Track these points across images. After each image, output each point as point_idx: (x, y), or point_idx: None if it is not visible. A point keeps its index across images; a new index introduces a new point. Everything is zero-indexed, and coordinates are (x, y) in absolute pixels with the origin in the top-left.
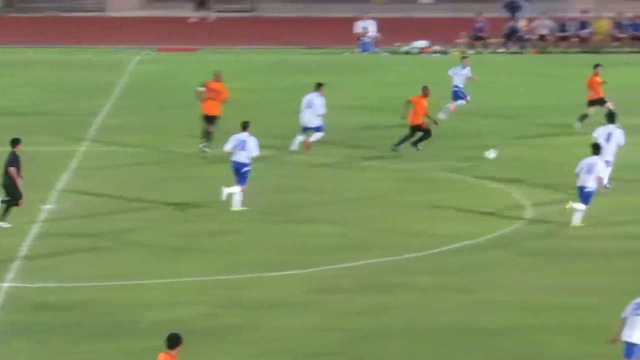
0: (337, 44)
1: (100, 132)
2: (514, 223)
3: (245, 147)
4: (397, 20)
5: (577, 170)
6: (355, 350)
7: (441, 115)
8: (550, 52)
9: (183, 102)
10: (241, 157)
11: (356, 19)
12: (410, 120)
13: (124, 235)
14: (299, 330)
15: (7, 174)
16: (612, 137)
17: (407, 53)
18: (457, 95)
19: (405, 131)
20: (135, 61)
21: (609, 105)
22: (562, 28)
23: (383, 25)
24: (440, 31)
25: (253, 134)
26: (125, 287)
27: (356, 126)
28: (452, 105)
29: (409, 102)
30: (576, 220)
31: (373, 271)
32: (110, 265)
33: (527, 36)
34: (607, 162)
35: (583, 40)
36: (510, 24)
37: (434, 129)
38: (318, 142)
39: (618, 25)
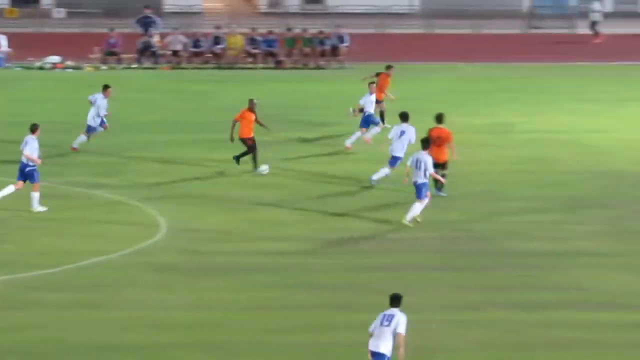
0: None
1: None
2: (149, 239)
3: None
4: (30, 35)
5: (408, 164)
6: None
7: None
8: (184, 68)
9: None
10: None
11: None
12: (240, 134)
13: None
14: None
15: None
16: (404, 134)
17: (40, 68)
18: (368, 121)
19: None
20: None
21: (383, 106)
22: (196, 44)
23: (16, 40)
24: (73, 46)
25: None
26: None
27: None
28: (369, 135)
29: (234, 120)
30: (411, 217)
31: (4, 289)
32: None
33: (160, 52)
34: (397, 158)
35: (217, 56)
36: (144, 39)
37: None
38: None
39: (252, 41)
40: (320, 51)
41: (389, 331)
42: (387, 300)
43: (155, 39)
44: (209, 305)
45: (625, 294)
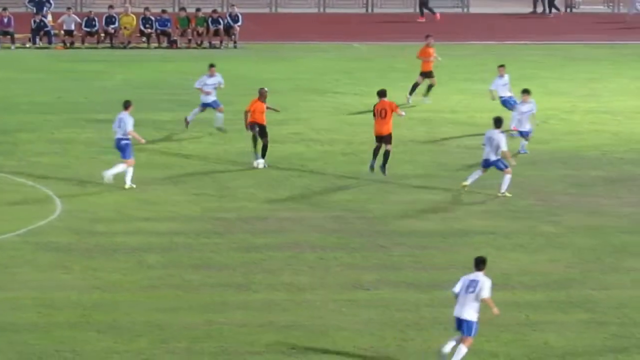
0: None
1: None
2: (43, 219)
3: None
4: None
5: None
6: None
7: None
8: (78, 48)
9: None
10: None
11: None
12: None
13: None
14: None
15: None
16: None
17: None
18: (507, 104)
19: None
20: None
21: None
22: (89, 23)
23: None
24: None
25: None
26: None
27: None
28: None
29: (246, 111)
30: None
31: None
32: None
33: (54, 31)
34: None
35: (110, 35)
36: (37, 18)
37: None
38: None
39: (145, 20)
40: (213, 31)
41: (473, 298)
42: (281, 279)
43: (49, 19)
44: (103, 285)
45: (519, 273)
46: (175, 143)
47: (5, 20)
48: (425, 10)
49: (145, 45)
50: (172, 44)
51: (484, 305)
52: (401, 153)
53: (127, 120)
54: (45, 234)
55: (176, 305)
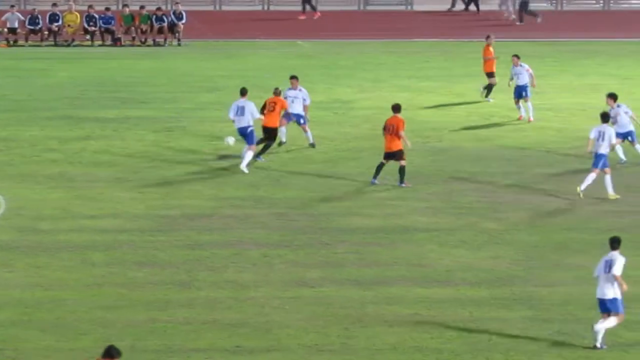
0: None
1: None
2: None
3: None
4: None
5: (591, 136)
6: None
7: None
8: (22, 46)
9: None
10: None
11: None
12: (266, 123)
13: None
14: None
15: None
16: None
17: None
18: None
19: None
20: None
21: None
22: (33, 21)
23: None
24: None
25: None
26: None
27: None
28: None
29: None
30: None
31: None
32: None
33: None
34: None
35: (54, 33)
36: None
37: None
38: None
39: (89, 18)
40: (158, 28)
41: (612, 276)
42: (225, 277)
43: None
44: (47, 283)
45: (463, 269)
46: (119, 141)
47: None
48: (308, 8)
49: (89, 43)
50: (116, 42)
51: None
52: (345, 151)
53: (252, 107)
54: None
55: (120, 303)
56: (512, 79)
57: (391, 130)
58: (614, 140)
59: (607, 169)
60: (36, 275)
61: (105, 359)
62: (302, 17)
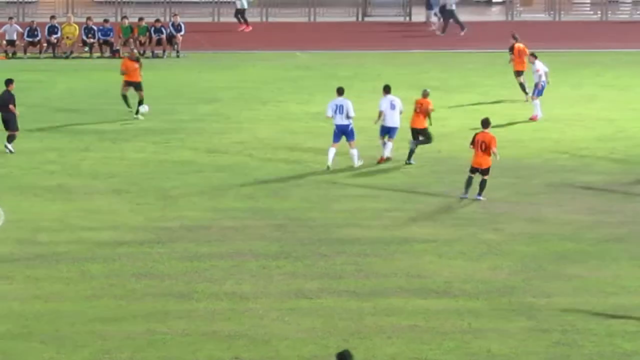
0: None
1: None
2: None
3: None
4: None
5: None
6: None
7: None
8: (20, 58)
9: None
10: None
11: None
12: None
13: None
14: None
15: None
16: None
17: None
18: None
19: None
20: None
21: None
22: (32, 33)
23: None
24: None
25: None
26: None
27: None
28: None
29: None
30: None
31: None
32: None
33: None
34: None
35: (53, 45)
36: None
37: None
38: None
39: (87, 30)
40: (156, 40)
41: None
42: (223, 288)
43: None
44: (46, 295)
45: (461, 280)
46: (118, 152)
47: None
48: (242, 20)
49: (87, 55)
50: (115, 54)
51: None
52: (344, 162)
53: (350, 105)
54: None
55: (119, 315)
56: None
57: (483, 147)
58: None
59: None
60: (35, 288)
61: None
62: (245, 29)
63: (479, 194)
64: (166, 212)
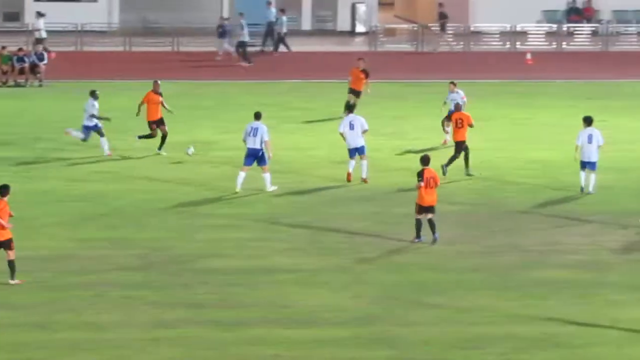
0: None
1: None
2: None
3: None
4: None
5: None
6: None
7: None
8: None
9: None
10: None
11: None
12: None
13: None
14: None
15: None
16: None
17: None
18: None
19: None
20: None
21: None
22: None
23: None
24: None
25: None
26: None
27: None
28: None
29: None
30: None
31: None
32: None
33: None
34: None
35: None
36: None
37: None
38: None
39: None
40: (19, 69)
41: None
42: (84, 319)
43: None
44: None
45: (325, 310)
46: None
47: None
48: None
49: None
50: None
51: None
52: (205, 191)
53: (265, 130)
54: None
55: None
56: (445, 103)
57: (432, 183)
58: None
59: None
60: None
61: None
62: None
63: (436, 234)
64: (26, 242)
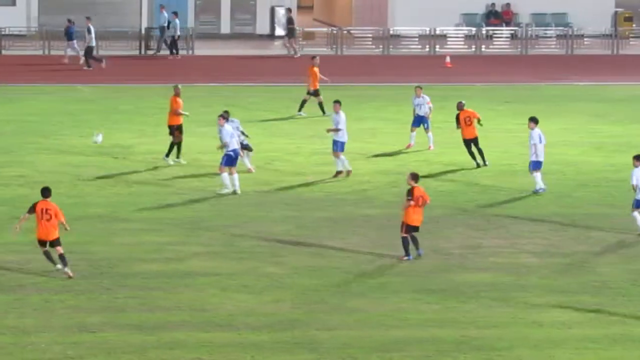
0: None
1: None
2: None
3: None
4: None
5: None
6: None
7: None
8: None
9: None
10: None
11: None
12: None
13: None
14: None
15: None
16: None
17: None
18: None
19: None
20: None
21: (321, 98)
22: None
23: None
24: None
25: None
26: None
27: None
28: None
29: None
30: None
31: None
32: None
33: None
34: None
35: None
36: None
37: None
38: None
39: None
40: None
41: None
42: (5, 322)
43: None
44: None
45: (245, 313)
46: None
47: None
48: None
49: None
50: None
51: None
52: (126, 195)
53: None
54: None
55: None
56: (414, 109)
57: (421, 201)
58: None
59: None
60: None
61: None
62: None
63: (420, 249)
64: None
